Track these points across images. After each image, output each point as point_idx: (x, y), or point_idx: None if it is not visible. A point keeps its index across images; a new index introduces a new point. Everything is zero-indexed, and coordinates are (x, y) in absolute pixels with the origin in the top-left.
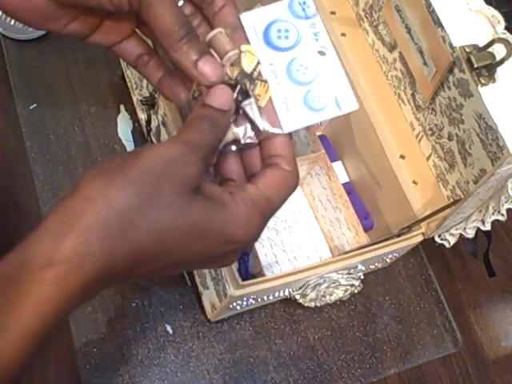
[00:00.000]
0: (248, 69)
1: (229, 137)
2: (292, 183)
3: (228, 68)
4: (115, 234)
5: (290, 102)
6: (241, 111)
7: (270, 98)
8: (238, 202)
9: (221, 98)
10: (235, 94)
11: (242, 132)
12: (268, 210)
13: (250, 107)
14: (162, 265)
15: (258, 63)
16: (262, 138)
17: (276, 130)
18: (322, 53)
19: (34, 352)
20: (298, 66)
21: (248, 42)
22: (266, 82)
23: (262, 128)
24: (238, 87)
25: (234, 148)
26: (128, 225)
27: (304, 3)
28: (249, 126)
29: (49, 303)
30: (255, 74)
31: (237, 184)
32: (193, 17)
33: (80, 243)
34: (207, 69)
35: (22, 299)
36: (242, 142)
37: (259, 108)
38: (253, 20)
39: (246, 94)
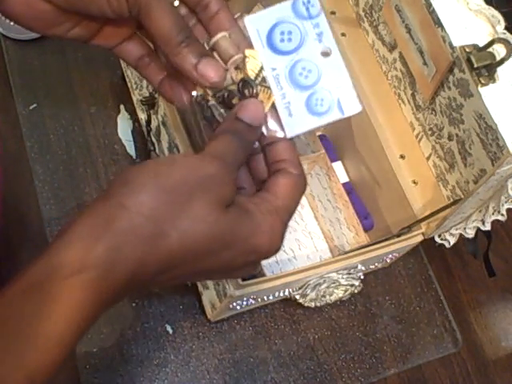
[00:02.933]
0: (252, 74)
1: None
2: (302, 186)
3: (233, 72)
4: (146, 240)
5: (292, 107)
6: None
7: (273, 104)
8: (263, 213)
9: (253, 112)
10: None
11: None
12: (287, 217)
13: None
14: (187, 272)
15: (262, 68)
16: (265, 144)
17: (279, 135)
18: (325, 54)
19: (65, 360)
20: (300, 69)
21: (248, 46)
22: (268, 88)
23: (265, 133)
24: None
25: None
26: (159, 232)
27: (308, 2)
28: None
29: (81, 309)
30: (258, 79)
31: (247, 191)
32: (187, 17)
33: (111, 249)
34: (208, 70)
35: (54, 306)
36: None
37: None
38: (257, 23)
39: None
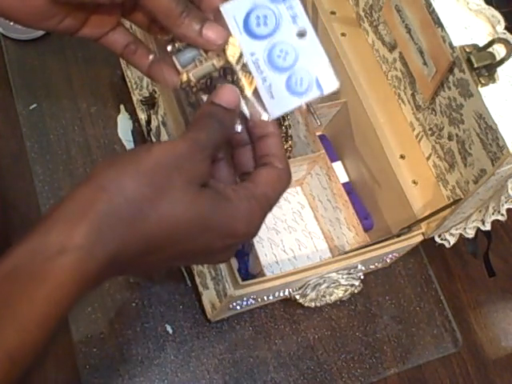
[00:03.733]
0: (232, 60)
1: None
2: (286, 179)
3: (215, 59)
4: (127, 222)
5: (273, 89)
6: None
7: (256, 88)
8: (241, 198)
9: (228, 96)
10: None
11: None
12: (267, 205)
13: None
14: (168, 255)
15: (241, 54)
16: (256, 137)
17: (263, 117)
18: (301, 34)
19: (48, 340)
20: (278, 51)
21: (228, 32)
22: (249, 73)
23: (248, 116)
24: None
25: None
26: (139, 214)
27: None
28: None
29: (63, 290)
30: (239, 65)
31: (227, 183)
32: None
33: (92, 230)
34: (212, 34)
35: (37, 287)
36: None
37: (245, 98)
38: (233, 10)
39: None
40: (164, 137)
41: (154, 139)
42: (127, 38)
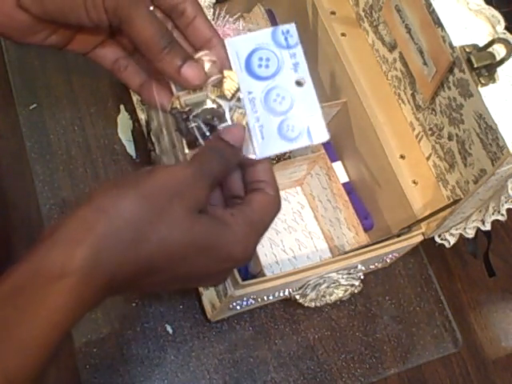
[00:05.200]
0: (228, 94)
1: None
2: (277, 206)
3: (209, 90)
4: (125, 244)
5: (265, 130)
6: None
7: (247, 124)
8: (239, 224)
9: (236, 135)
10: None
11: None
12: (261, 230)
13: None
14: (165, 278)
15: (238, 89)
16: (246, 164)
17: (250, 155)
18: (299, 83)
19: (47, 362)
20: (275, 95)
21: (229, 64)
22: (243, 108)
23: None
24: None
25: None
26: (138, 236)
27: (287, 32)
28: None
29: (62, 313)
30: (234, 100)
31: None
32: (164, 21)
33: (91, 253)
34: (190, 73)
35: (37, 310)
36: None
37: None
38: (237, 46)
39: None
40: (164, 137)
41: (153, 139)
42: (117, 53)
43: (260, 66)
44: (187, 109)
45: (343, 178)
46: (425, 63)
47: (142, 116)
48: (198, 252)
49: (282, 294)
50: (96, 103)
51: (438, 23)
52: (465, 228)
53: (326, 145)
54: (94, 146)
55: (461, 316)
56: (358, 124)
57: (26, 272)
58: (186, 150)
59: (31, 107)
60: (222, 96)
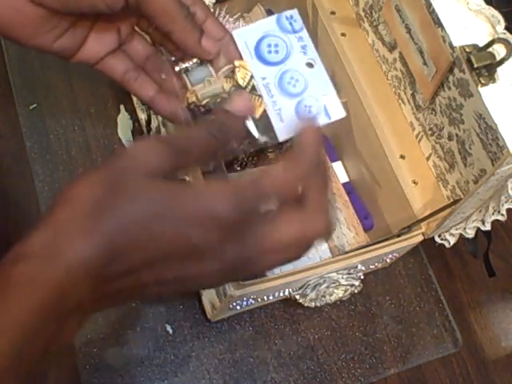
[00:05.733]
0: (242, 83)
1: None
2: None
3: (223, 81)
4: (83, 227)
5: (283, 113)
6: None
7: (265, 110)
8: (209, 182)
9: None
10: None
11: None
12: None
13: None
14: (139, 263)
15: (252, 77)
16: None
17: (271, 139)
18: (310, 65)
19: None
20: (288, 78)
21: (240, 56)
22: (259, 95)
23: (257, 137)
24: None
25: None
26: (93, 216)
27: (291, 17)
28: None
29: (28, 297)
30: (249, 87)
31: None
32: None
33: (47, 239)
34: (208, 44)
35: (6, 293)
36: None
37: (254, 119)
38: (244, 36)
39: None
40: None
41: None
42: (127, 64)
43: (270, 52)
44: (204, 102)
45: (343, 177)
46: (425, 63)
47: (142, 116)
48: (164, 217)
49: (281, 294)
50: (96, 103)
51: (438, 23)
52: (465, 228)
53: (326, 145)
54: (94, 146)
55: (461, 316)
56: (358, 124)
57: (10, 253)
58: None
59: (31, 107)
60: (237, 85)
